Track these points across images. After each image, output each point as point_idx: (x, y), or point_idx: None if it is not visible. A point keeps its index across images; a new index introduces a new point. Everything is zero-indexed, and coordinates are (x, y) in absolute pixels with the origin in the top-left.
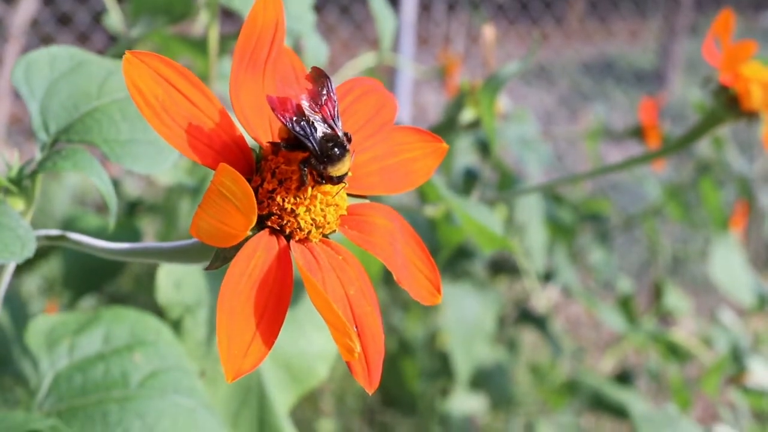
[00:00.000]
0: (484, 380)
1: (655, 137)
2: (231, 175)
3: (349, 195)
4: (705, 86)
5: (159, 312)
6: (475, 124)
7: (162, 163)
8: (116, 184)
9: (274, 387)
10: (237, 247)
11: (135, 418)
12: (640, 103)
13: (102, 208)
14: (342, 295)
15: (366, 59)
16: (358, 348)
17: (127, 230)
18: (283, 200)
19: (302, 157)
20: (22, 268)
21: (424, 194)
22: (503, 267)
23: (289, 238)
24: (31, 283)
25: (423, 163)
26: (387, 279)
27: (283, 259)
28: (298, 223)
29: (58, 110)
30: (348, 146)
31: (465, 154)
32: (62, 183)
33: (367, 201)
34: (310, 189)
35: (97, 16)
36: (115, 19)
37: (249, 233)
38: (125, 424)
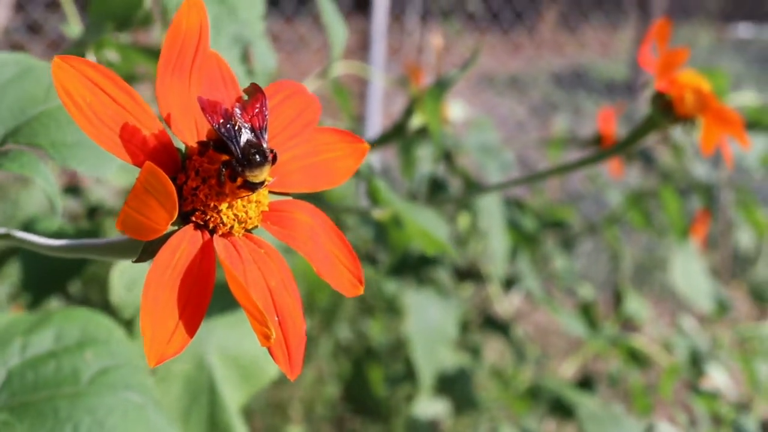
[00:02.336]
0: (447, 385)
1: (612, 145)
2: (155, 173)
3: (271, 192)
4: (642, 92)
5: (113, 313)
6: (424, 130)
7: (107, 165)
8: (78, 188)
9: (226, 386)
10: (163, 241)
11: (85, 414)
12: (600, 112)
13: (72, 216)
14: (263, 286)
15: (337, 68)
16: (273, 335)
17: (87, 233)
18: (206, 197)
19: (225, 159)
20: None
21: (372, 197)
22: (468, 274)
23: (212, 232)
24: (1, 291)
25: (344, 162)
26: None
27: (207, 252)
28: (221, 219)
29: (6, 114)
30: (269, 157)
31: (428, 162)
32: (33, 190)
33: (289, 198)
34: (231, 186)
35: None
36: (75, 28)
37: (173, 228)
38: (75, 419)
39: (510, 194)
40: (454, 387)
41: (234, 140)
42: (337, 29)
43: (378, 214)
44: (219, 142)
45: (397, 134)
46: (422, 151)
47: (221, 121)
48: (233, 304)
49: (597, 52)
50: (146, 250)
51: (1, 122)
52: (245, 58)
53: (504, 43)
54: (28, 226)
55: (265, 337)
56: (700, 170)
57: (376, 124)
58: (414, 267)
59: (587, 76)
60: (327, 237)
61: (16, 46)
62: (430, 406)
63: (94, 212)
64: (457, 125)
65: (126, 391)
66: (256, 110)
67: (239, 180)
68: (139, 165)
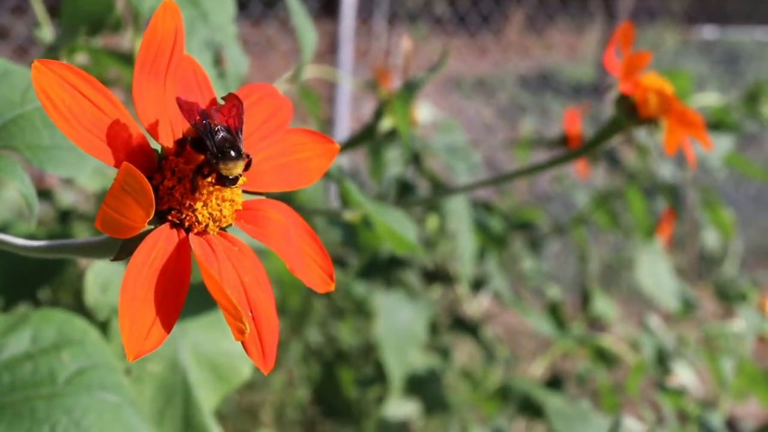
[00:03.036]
0: (417, 386)
1: (578, 145)
2: (132, 173)
3: (245, 192)
4: (608, 93)
5: (88, 315)
6: (393, 133)
7: (83, 168)
8: (49, 193)
9: (200, 386)
10: (140, 239)
11: (62, 414)
12: (566, 113)
13: (42, 221)
14: (237, 282)
15: (306, 71)
16: (248, 329)
17: (59, 237)
18: (182, 196)
19: (201, 158)
20: None
21: (343, 199)
22: (437, 275)
23: (188, 231)
24: None
25: (316, 162)
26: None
27: (182, 249)
28: (196, 217)
29: None
30: (243, 153)
31: (396, 164)
32: (1, 197)
33: (262, 197)
34: (206, 185)
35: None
36: (46, 32)
37: (150, 227)
38: (52, 419)
39: (478, 196)
40: (425, 388)
41: (210, 134)
42: (308, 32)
43: (349, 215)
44: (196, 141)
45: (367, 137)
46: (391, 153)
47: (197, 118)
48: (207, 306)
49: (563, 54)
50: (124, 248)
51: None
52: (217, 61)
53: (471, 46)
54: (1, 230)
55: (240, 332)
56: (665, 170)
57: (344, 127)
58: (383, 269)
59: (554, 79)
60: (299, 235)
61: None
62: (400, 408)
63: (65, 216)
64: (425, 127)
65: (102, 391)
66: (233, 114)
67: (213, 175)
68: (118, 166)
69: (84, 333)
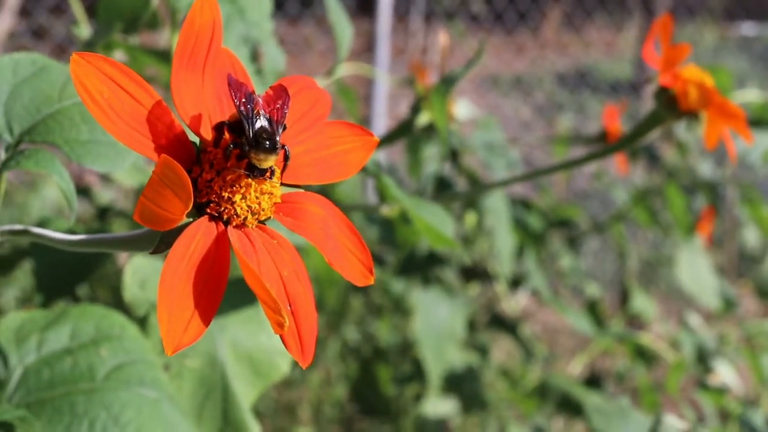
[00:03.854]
0: (456, 384)
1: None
2: (170, 165)
3: (283, 185)
4: (647, 89)
5: (127, 311)
6: (430, 128)
7: (121, 163)
8: (88, 190)
9: (238, 381)
10: (179, 232)
11: (101, 409)
12: (604, 109)
13: (81, 218)
14: (276, 276)
15: (340, 69)
16: (287, 323)
17: (97, 234)
18: (221, 189)
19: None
20: None
21: (381, 194)
22: (475, 273)
23: (227, 223)
24: (9, 295)
25: (355, 155)
26: (363, 288)
27: (221, 242)
28: (235, 210)
29: (22, 113)
30: (279, 149)
31: (433, 161)
32: (40, 194)
33: (301, 190)
34: (242, 177)
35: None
36: (84, 30)
37: (189, 219)
38: (91, 414)
39: (516, 194)
40: (463, 386)
41: (250, 120)
42: (344, 28)
43: (386, 210)
44: (235, 125)
45: (404, 132)
46: (428, 150)
47: (243, 100)
48: (245, 301)
49: (601, 51)
50: (162, 241)
51: (17, 121)
52: (254, 57)
53: (508, 44)
54: (42, 223)
55: (279, 325)
56: (705, 167)
57: (381, 125)
58: (421, 266)
59: (591, 76)
60: (338, 228)
61: (21, 51)
62: (438, 406)
63: (104, 213)
64: (462, 124)
65: (140, 386)
66: (278, 105)
67: (244, 162)
68: (156, 158)
69: (122, 328)
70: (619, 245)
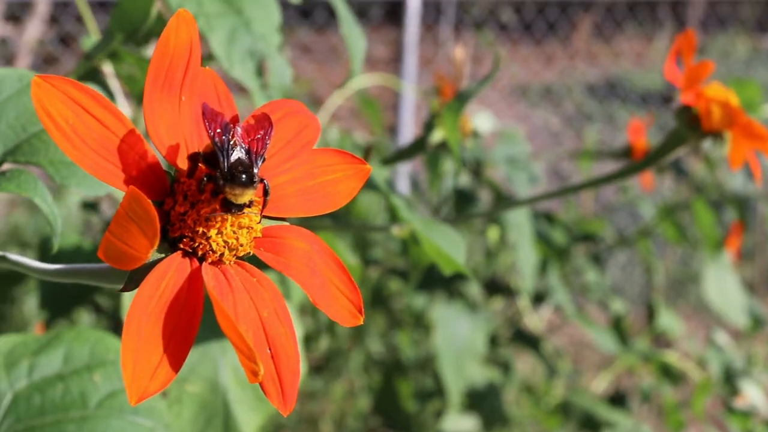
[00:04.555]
0: (477, 401)
1: (642, 157)
2: (137, 198)
3: (265, 217)
4: (667, 105)
5: None
6: (444, 145)
7: (106, 187)
8: (96, 206)
9: (241, 407)
10: (149, 269)
11: None
12: (630, 124)
13: (83, 231)
14: (255, 317)
15: (364, 80)
16: (261, 372)
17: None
18: (195, 223)
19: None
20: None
21: (393, 215)
22: (498, 287)
23: (202, 260)
24: (31, 303)
25: (345, 185)
26: (380, 300)
27: (195, 281)
28: (210, 246)
29: (6, 131)
30: (257, 183)
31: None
32: (65, 202)
33: (285, 223)
34: (217, 212)
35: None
36: (91, 41)
37: (160, 255)
38: None
39: (540, 207)
40: (484, 402)
41: (225, 152)
42: (356, 40)
43: (397, 230)
44: (210, 156)
45: (418, 149)
46: (448, 164)
47: (218, 130)
48: None
49: (631, 62)
50: (132, 278)
51: (1, 140)
52: (260, 72)
53: (537, 53)
54: (46, 241)
55: (254, 374)
56: (735, 182)
57: (408, 134)
58: (443, 281)
59: (622, 87)
60: (324, 264)
61: (49, 59)
62: (459, 422)
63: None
64: (486, 136)
65: (135, 415)
66: (258, 136)
67: (220, 197)
68: (124, 189)
69: (117, 353)
70: (645, 261)
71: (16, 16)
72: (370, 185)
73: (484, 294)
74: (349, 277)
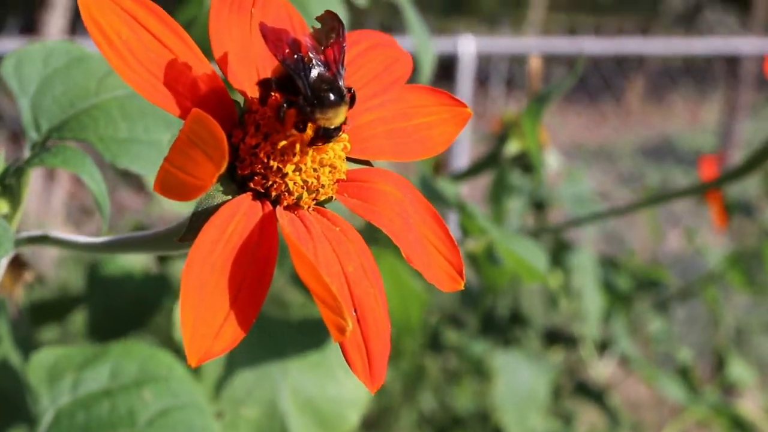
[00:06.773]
0: None
1: (715, 194)
2: (203, 121)
3: (349, 159)
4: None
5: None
6: (520, 158)
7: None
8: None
9: None
10: (212, 215)
11: None
12: (700, 159)
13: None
14: (338, 271)
15: None
16: (350, 327)
17: (156, 278)
18: (268, 157)
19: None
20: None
21: (464, 228)
22: (558, 336)
23: (275, 203)
24: (77, 320)
25: (440, 129)
26: (437, 347)
27: (267, 226)
28: (286, 185)
29: (52, 107)
30: (346, 96)
31: (516, 215)
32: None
33: (372, 167)
34: (298, 145)
35: None
36: None
37: (226, 197)
38: None
39: (601, 252)
40: None
41: (302, 74)
42: (427, 50)
43: (471, 245)
44: (284, 81)
45: (490, 163)
46: (512, 203)
47: (287, 51)
48: (312, 343)
49: (685, 121)
50: (193, 226)
51: (46, 116)
52: None
53: (591, 111)
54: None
55: (339, 330)
56: None
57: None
58: (501, 328)
59: (674, 147)
60: (419, 216)
61: None
62: None
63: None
64: (551, 175)
65: None
66: (331, 41)
67: (309, 128)
68: (185, 116)
69: (170, 369)
70: (712, 310)
71: None
72: (438, 199)
73: (544, 343)
74: (448, 234)
